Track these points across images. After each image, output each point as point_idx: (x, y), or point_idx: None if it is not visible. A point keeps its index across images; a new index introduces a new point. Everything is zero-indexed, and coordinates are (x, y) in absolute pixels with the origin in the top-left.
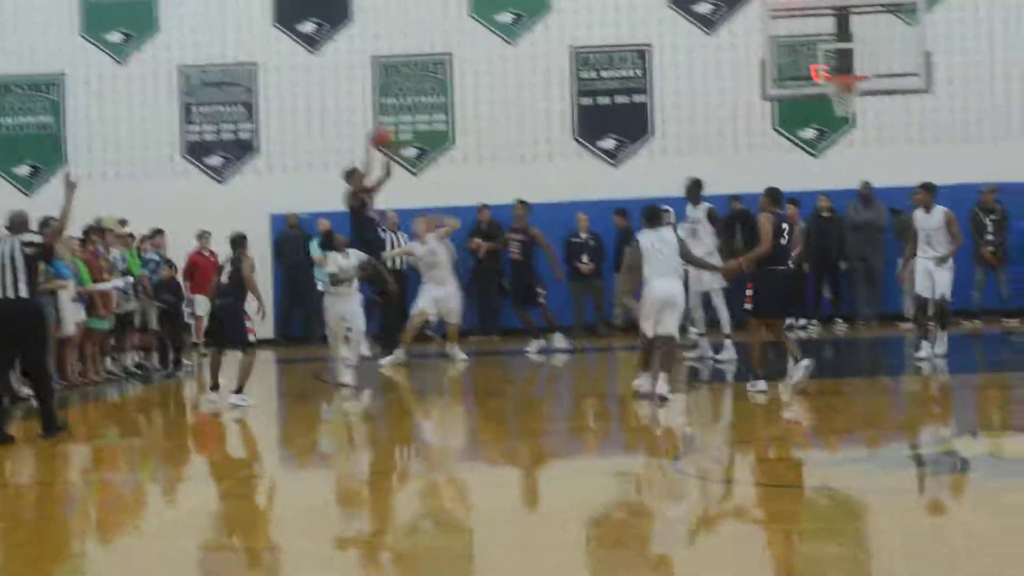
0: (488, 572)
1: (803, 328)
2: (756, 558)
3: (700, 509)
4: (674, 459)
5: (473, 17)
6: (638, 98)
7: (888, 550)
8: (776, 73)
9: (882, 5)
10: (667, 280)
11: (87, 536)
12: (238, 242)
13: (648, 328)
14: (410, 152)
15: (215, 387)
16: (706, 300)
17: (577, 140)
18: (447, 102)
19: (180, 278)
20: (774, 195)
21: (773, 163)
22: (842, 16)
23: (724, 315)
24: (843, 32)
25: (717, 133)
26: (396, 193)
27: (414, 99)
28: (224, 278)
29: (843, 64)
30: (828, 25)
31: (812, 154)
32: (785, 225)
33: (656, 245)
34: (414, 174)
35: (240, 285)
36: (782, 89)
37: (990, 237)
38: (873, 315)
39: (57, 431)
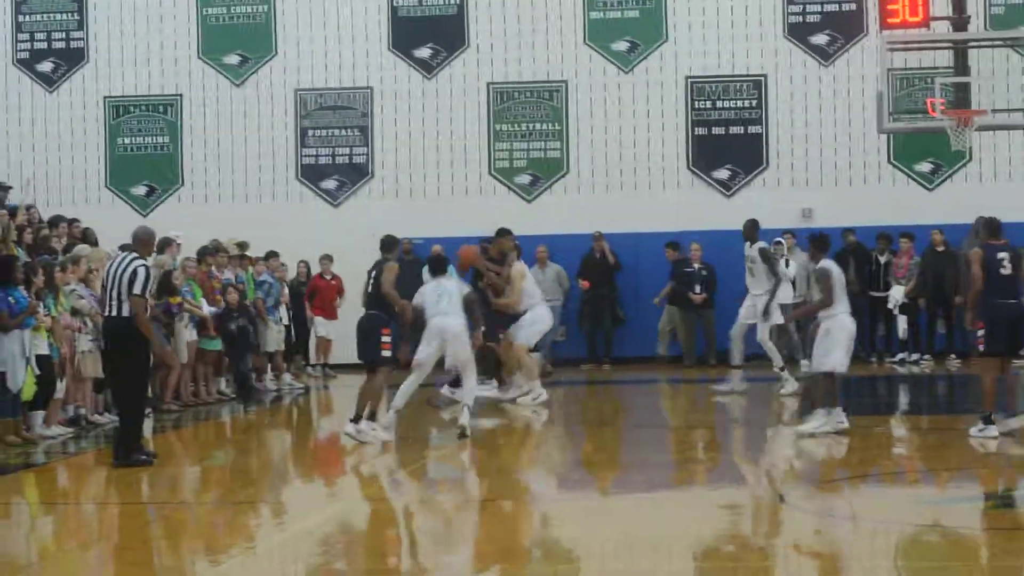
0: None
1: (916, 363)
2: None
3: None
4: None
5: (589, 45)
6: (753, 129)
7: None
8: (892, 106)
9: (1001, 40)
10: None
11: (199, 556)
12: (386, 246)
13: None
14: (524, 179)
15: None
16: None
17: (692, 170)
18: (562, 129)
19: (304, 300)
20: (991, 226)
21: (887, 196)
22: (960, 50)
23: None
24: (960, 66)
25: (832, 165)
26: (509, 220)
27: (529, 126)
28: (369, 287)
29: (960, 98)
30: (945, 59)
31: (927, 188)
32: (1003, 255)
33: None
34: (528, 201)
35: (382, 297)
36: (898, 122)
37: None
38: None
39: (131, 462)
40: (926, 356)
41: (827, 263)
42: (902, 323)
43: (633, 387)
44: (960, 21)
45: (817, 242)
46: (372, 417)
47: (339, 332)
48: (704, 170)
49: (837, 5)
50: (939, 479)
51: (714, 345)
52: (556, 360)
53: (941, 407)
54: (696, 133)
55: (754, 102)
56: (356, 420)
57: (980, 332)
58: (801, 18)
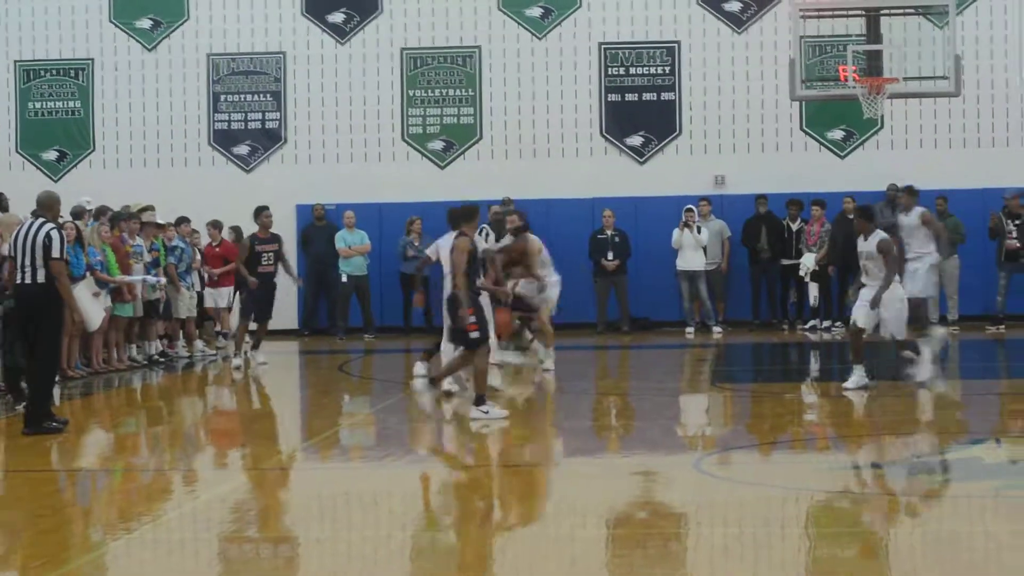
0: None
1: (827, 330)
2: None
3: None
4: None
5: (503, 11)
6: (666, 95)
7: (906, 556)
8: (804, 74)
9: (913, 7)
10: None
11: (107, 525)
12: (459, 219)
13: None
14: (437, 145)
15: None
16: None
17: (605, 136)
18: (475, 95)
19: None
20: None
21: (800, 164)
22: (872, 17)
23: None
24: (873, 33)
25: (744, 132)
26: (421, 187)
27: (442, 92)
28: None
29: (872, 66)
30: (858, 26)
31: (839, 155)
32: None
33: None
34: (441, 167)
35: (452, 271)
36: (810, 90)
37: (1013, 242)
38: None
39: (42, 429)
40: (837, 323)
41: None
42: (813, 290)
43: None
44: None
45: (867, 213)
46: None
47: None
48: (617, 137)
49: None
50: (849, 445)
51: (627, 311)
52: None
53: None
54: (609, 99)
55: (667, 69)
56: (479, 402)
57: None
58: None
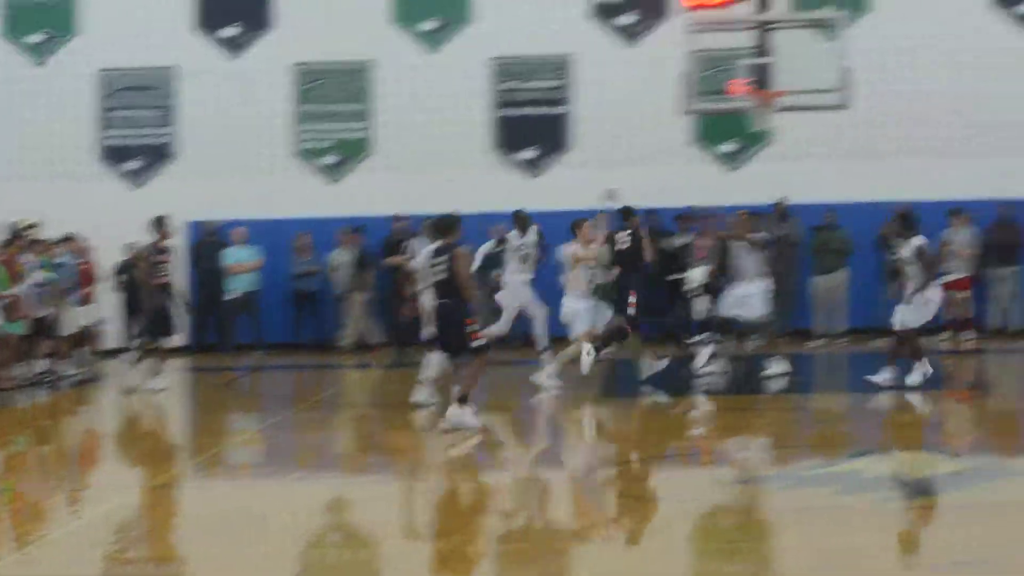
0: None
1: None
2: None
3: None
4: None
5: (396, 24)
6: (558, 109)
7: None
8: (696, 87)
9: (803, 20)
10: None
11: None
12: (446, 229)
13: None
14: (330, 160)
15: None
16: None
17: (497, 151)
18: (367, 110)
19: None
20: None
21: (691, 177)
22: (763, 31)
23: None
24: (763, 47)
25: (637, 145)
26: (313, 202)
27: (335, 107)
28: (441, 274)
29: (762, 79)
30: (749, 39)
31: (730, 168)
32: None
33: None
34: (333, 182)
35: (458, 281)
36: (701, 103)
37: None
38: (784, 331)
39: None
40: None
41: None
42: (698, 304)
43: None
44: (763, 2)
45: (904, 220)
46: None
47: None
48: (509, 151)
49: None
50: (735, 459)
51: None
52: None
53: (739, 388)
54: (501, 114)
55: (559, 83)
56: (463, 400)
57: None
58: None
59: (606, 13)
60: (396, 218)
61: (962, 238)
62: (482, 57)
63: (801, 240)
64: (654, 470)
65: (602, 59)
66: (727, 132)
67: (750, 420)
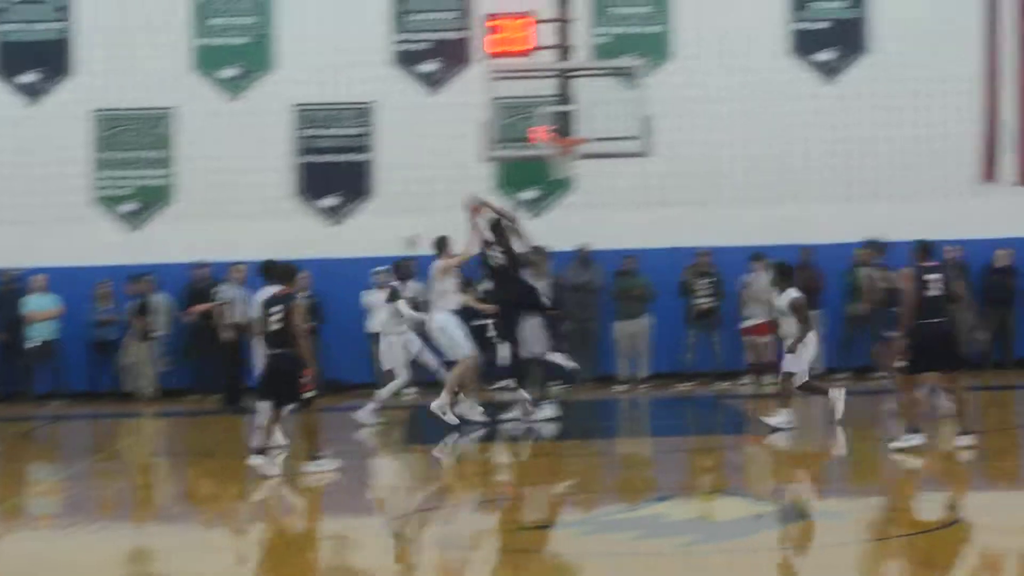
0: None
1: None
2: None
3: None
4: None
5: (196, 71)
6: (360, 157)
7: None
8: (498, 134)
9: (603, 68)
10: None
11: None
12: (283, 276)
13: None
14: (130, 207)
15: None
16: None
17: (299, 198)
18: (168, 157)
19: None
20: (921, 248)
21: None
22: (564, 79)
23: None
24: (564, 95)
25: (439, 193)
26: (114, 249)
27: (135, 153)
28: (275, 324)
29: (564, 127)
30: (550, 87)
31: (532, 215)
32: (934, 277)
33: None
34: (133, 230)
35: (292, 332)
36: (503, 150)
37: (703, 300)
38: (588, 376)
39: None
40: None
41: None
42: (503, 351)
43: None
44: (564, 50)
45: (780, 272)
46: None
47: None
48: (311, 198)
49: (445, 33)
50: (540, 503)
51: (319, 374)
52: (165, 391)
53: (545, 433)
54: (303, 160)
55: (362, 130)
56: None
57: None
58: (409, 46)
59: (408, 60)
60: (198, 265)
61: (763, 283)
62: (284, 104)
63: (603, 286)
64: (455, 516)
65: (404, 106)
66: (529, 179)
67: (552, 465)
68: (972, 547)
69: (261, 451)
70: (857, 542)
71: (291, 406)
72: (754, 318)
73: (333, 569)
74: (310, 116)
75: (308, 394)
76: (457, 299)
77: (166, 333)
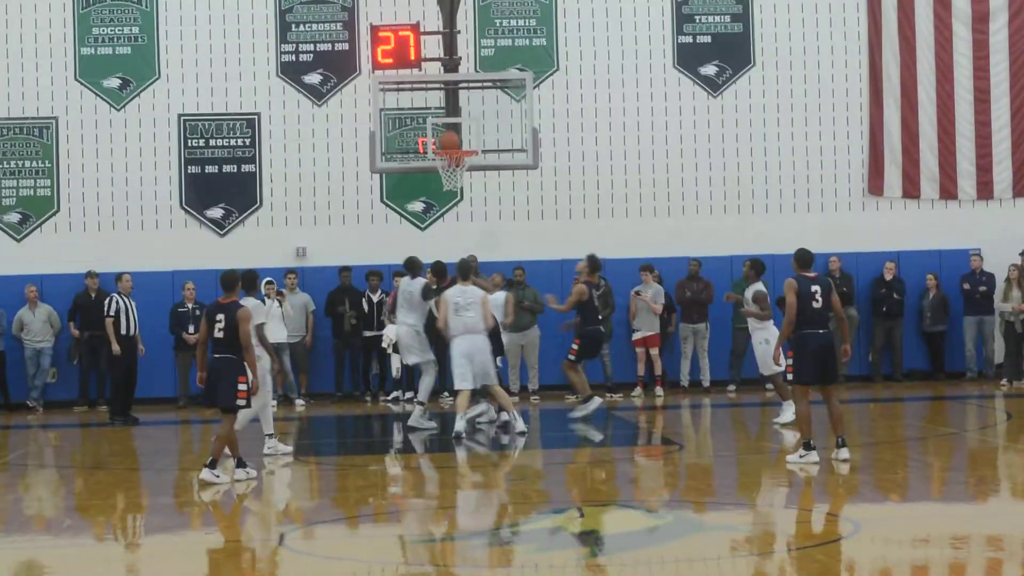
0: None
1: (409, 401)
2: None
3: None
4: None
5: (80, 81)
6: (247, 167)
7: None
8: (385, 146)
9: (491, 81)
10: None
11: None
12: (232, 284)
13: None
14: (13, 217)
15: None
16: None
17: (185, 208)
18: (52, 167)
19: None
20: (802, 259)
21: (381, 235)
22: (451, 91)
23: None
24: (452, 107)
25: (326, 204)
26: None
27: (18, 163)
28: (218, 331)
29: (451, 139)
30: (437, 99)
31: (419, 227)
32: (816, 288)
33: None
34: (17, 240)
35: (236, 338)
36: (391, 162)
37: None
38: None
39: None
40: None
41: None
42: (395, 361)
43: (143, 429)
44: (451, 62)
45: (756, 265)
46: (213, 465)
47: None
48: (197, 209)
49: (331, 44)
50: (433, 516)
51: None
52: (48, 403)
53: (435, 446)
54: (189, 171)
55: (248, 140)
56: (212, 465)
57: (789, 360)
58: (294, 57)
59: (294, 72)
60: (89, 275)
61: (652, 293)
62: (170, 115)
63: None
64: (340, 531)
65: (291, 117)
66: (417, 191)
67: (448, 478)
68: (866, 559)
69: (213, 464)
70: (750, 554)
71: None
72: (644, 329)
73: None
74: (196, 127)
75: (241, 402)
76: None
77: (52, 344)
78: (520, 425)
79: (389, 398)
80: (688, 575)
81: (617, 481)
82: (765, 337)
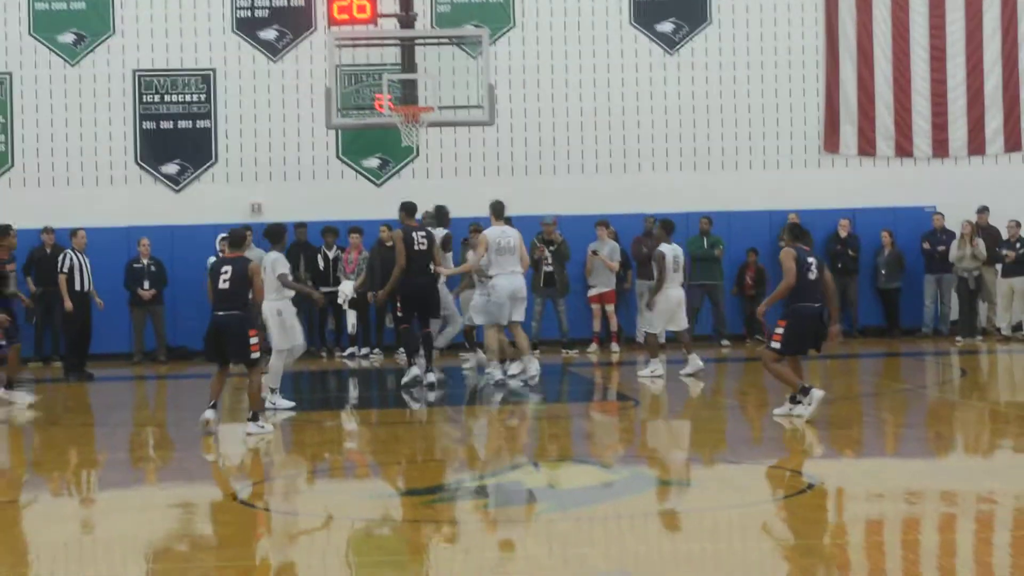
0: None
1: (366, 357)
2: None
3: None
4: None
5: (34, 36)
6: (202, 123)
7: None
8: (340, 102)
9: (447, 37)
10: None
11: None
12: (240, 241)
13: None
14: None
15: (214, 405)
16: None
17: (140, 164)
18: (6, 122)
19: None
20: (795, 231)
21: (337, 191)
22: (408, 47)
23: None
24: (408, 63)
25: (281, 160)
26: None
27: None
28: (223, 283)
29: (408, 95)
30: (394, 55)
31: (375, 183)
32: (811, 260)
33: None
34: None
35: (244, 292)
36: (347, 118)
37: (548, 268)
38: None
39: None
40: (376, 350)
41: (663, 247)
42: (351, 317)
43: (97, 384)
44: (407, 19)
45: (667, 226)
46: (253, 417)
47: None
48: (152, 164)
49: (286, 1)
50: (388, 472)
51: (164, 341)
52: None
53: (390, 401)
54: (144, 127)
55: (203, 96)
56: (255, 418)
57: (779, 329)
58: (250, 12)
59: (249, 27)
60: (45, 230)
61: (608, 250)
62: (124, 70)
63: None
64: (296, 486)
65: (246, 73)
66: (373, 147)
67: (402, 433)
68: (823, 513)
69: (255, 417)
70: (706, 510)
71: (238, 364)
72: (600, 286)
73: (177, 536)
74: (151, 82)
75: (255, 355)
76: None
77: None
78: (497, 374)
79: (345, 354)
80: (643, 530)
81: (572, 437)
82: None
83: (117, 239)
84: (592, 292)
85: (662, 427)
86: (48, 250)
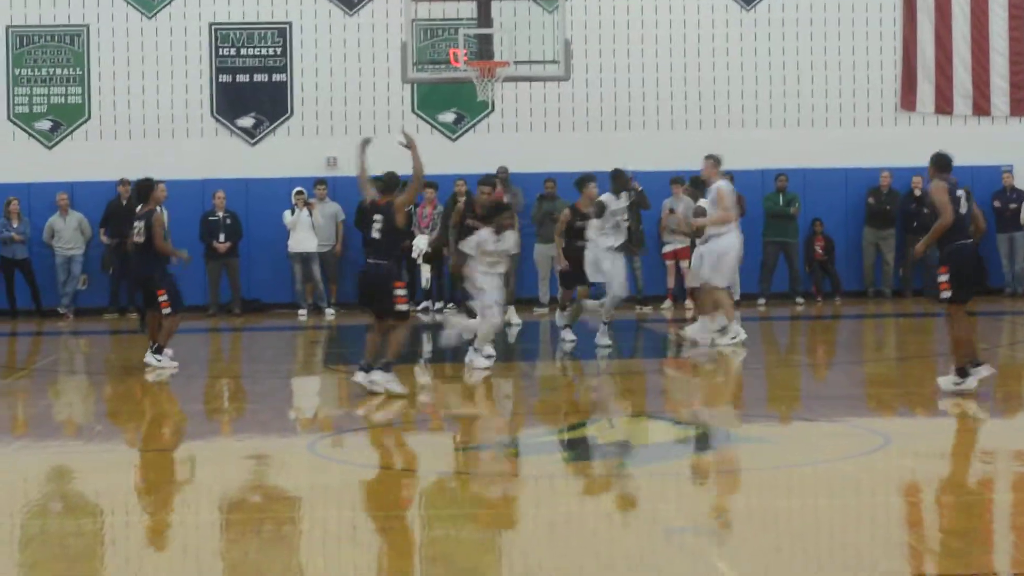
0: None
1: (439, 312)
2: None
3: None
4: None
5: None
6: (278, 77)
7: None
8: (416, 56)
9: None
10: None
11: None
12: (392, 185)
13: None
14: (44, 125)
15: (365, 367)
16: None
17: (216, 117)
18: (84, 75)
19: None
20: (941, 162)
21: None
22: (483, 2)
23: None
24: (484, 17)
25: (356, 115)
26: (28, 167)
27: (49, 71)
28: (375, 232)
29: (484, 50)
30: (469, 10)
31: (450, 137)
32: (960, 192)
33: None
34: (48, 148)
35: (395, 243)
36: (422, 73)
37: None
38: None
39: None
40: (450, 305)
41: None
42: (425, 272)
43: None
44: None
45: (698, 182)
46: (385, 367)
47: None
48: (228, 118)
49: None
50: (465, 426)
51: (239, 294)
52: (79, 310)
53: (449, 356)
54: (220, 80)
55: (279, 50)
56: (386, 368)
57: (942, 276)
58: None
59: None
60: (122, 182)
61: (683, 207)
62: (200, 23)
63: (523, 209)
64: (381, 437)
65: (322, 27)
66: (448, 102)
67: (478, 388)
68: (897, 472)
69: (387, 367)
70: (778, 467)
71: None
72: (674, 242)
73: (252, 487)
74: (227, 35)
75: (402, 307)
76: None
77: (83, 252)
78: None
79: (419, 308)
80: (717, 487)
81: (647, 392)
82: (702, 252)
83: (193, 192)
84: (666, 248)
85: (735, 384)
86: (125, 202)
